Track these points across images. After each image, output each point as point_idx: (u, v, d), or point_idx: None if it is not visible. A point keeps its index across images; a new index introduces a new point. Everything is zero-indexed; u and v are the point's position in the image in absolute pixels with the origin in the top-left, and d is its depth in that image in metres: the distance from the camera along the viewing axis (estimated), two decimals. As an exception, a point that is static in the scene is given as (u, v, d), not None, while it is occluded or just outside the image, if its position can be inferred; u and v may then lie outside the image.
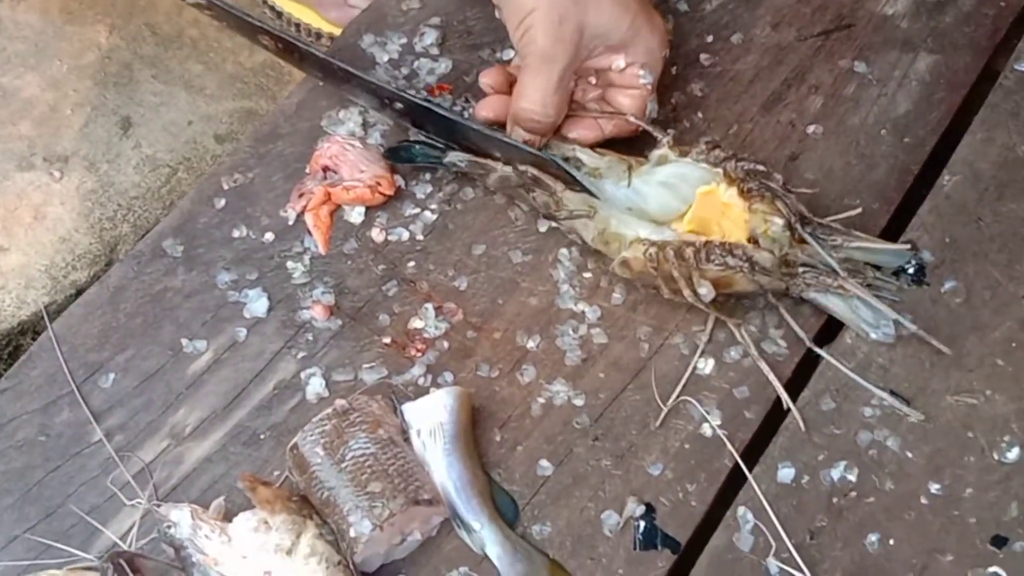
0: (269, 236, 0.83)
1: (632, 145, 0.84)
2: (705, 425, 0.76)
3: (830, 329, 0.80)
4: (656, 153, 0.81)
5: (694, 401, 0.77)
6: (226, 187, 0.85)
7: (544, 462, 0.75)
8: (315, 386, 0.77)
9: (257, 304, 0.80)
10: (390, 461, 0.70)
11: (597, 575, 0.71)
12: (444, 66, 0.91)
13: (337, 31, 1.20)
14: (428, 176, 0.86)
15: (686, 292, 0.76)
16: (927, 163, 0.87)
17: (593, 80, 0.84)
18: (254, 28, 0.84)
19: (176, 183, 0.98)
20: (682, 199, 0.79)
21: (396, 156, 0.85)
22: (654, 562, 0.72)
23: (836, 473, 0.74)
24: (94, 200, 0.93)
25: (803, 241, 0.76)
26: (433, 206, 0.85)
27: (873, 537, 0.72)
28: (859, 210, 0.81)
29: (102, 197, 0.94)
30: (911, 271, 0.80)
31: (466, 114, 0.88)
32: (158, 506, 0.70)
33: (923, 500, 0.73)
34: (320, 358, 0.79)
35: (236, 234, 0.83)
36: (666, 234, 0.77)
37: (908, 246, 0.76)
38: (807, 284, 0.76)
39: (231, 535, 0.68)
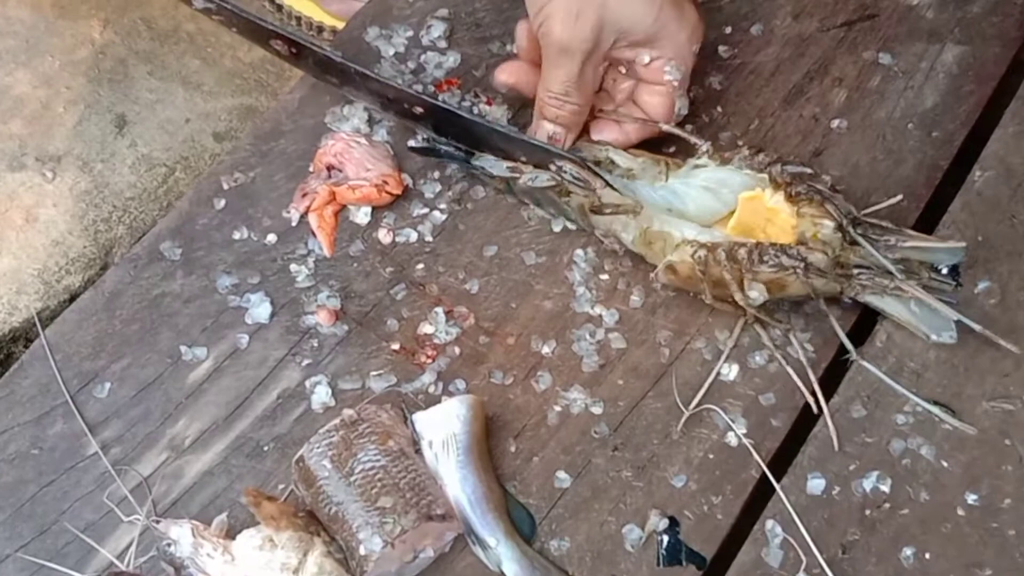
0: (271, 238, 0.81)
1: (661, 143, 0.82)
2: (730, 434, 0.73)
3: (860, 332, 0.77)
4: (694, 161, 0.78)
5: (718, 409, 0.74)
6: (226, 187, 0.83)
7: (562, 473, 0.72)
8: (321, 395, 0.75)
9: (259, 309, 0.78)
10: (401, 474, 0.67)
11: (619, 593, 0.69)
12: (452, 60, 0.88)
13: (339, 24, 1.17)
14: (437, 174, 0.83)
15: (737, 296, 0.73)
16: (957, 158, 0.84)
17: (623, 70, 0.81)
18: (265, 32, 0.81)
19: (173, 183, 0.96)
20: (723, 203, 0.77)
21: (423, 151, 0.83)
22: (679, 578, 0.69)
23: (868, 484, 0.71)
24: (88, 201, 0.90)
25: (855, 243, 0.73)
26: (442, 206, 0.82)
27: (908, 551, 0.69)
28: (900, 197, 0.79)
29: (96, 198, 0.91)
30: (944, 271, 0.77)
31: (475, 110, 0.85)
32: (157, 522, 0.68)
33: (960, 512, 0.71)
34: (326, 365, 0.76)
35: (237, 236, 0.81)
36: (714, 235, 0.74)
37: (963, 244, 0.73)
38: (862, 286, 0.73)
39: (234, 553, 0.66)
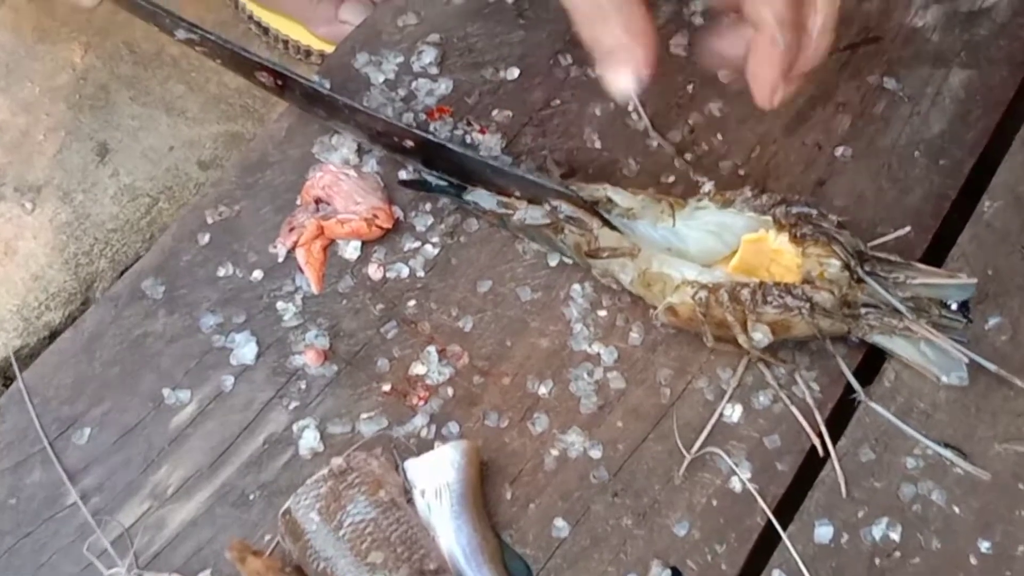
0: (257, 274, 0.79)
1: (661, 173, 0.80)
2: (734, 479, 0.71)
3: (867, 370, 0.75)
4: (695, 203, 0.76)
5: (721, 452, 0.72)
6: (210, 221, 0.80)
7: (559, 521, 0.70)
8: (309, 440, 0.72)
9: (245, 349, 0.76)
10: (392, 527, 0.65)
11: (620, 647, 0.67)
12: (444, 87, 0.86)
13: (328, 48, 1.15)
14: (428, 207, 0.81)
15: (740, 338, 0.71)
16: (965, 188, 0.83)
17: None
18: (250, 63, 0.79)
19: (157, 214, 0.94)
20: (725, 244, 0.75)
21: (413, 185, 0.81)
22: (682, 632, 0.67)
23: (878, 531, 0.69)
24: (69, 233, 0.88)
25: (862, 281, 0.71)
26: (435, 239, 0.80)
27: (920, 602, 0.67)
28: (907, 229, 0.77)
29: (77, 230, 0.89)
30: (954, 307, 0.75)
31: (468, 139, 0.84)
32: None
33: (972, 560, 0.69)
34: (314, 408, 0.74)
35: (221, 272, 0.79)
36: (716, 275, 0.72)
37: (974, 280, 0.71)
38: (870, 326, 0.71)
39: (219, 611, 0.63)
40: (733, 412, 0.74)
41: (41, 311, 0.87)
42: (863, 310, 0.71)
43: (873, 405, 0.73)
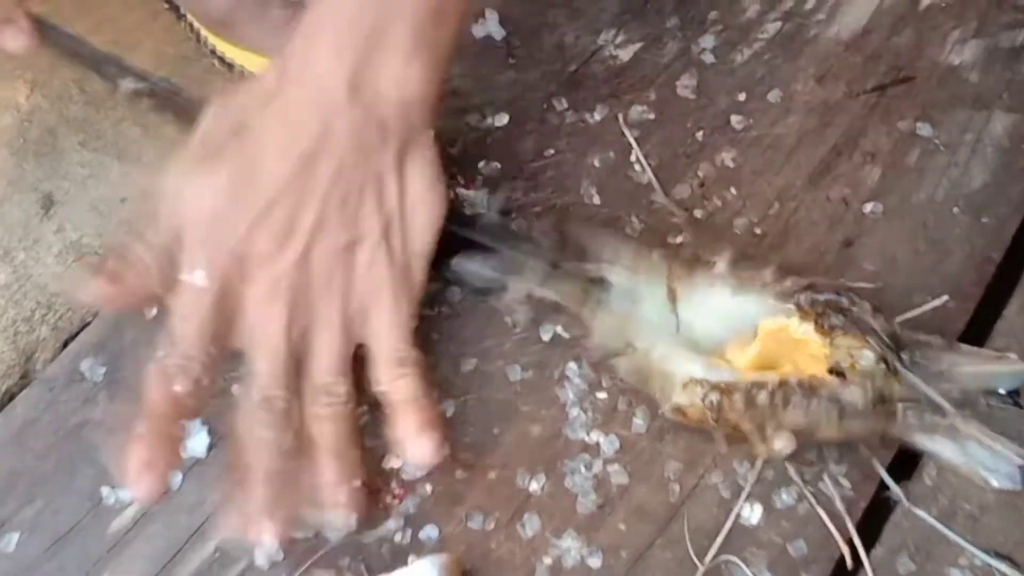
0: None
1: (668, 232, 0.73)
2: (753, 592, 0.64)
3: (904, 465, 0.68)
4: (706, 283, 0.68)
5: (739, 561, 0.65)
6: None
7: (553, 643, 0.63)
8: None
9: (195, 440, 0.69)
10: (358, 662, 0.58)
11: None
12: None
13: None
14: (406, 273, 0.74)
15: (758, 448, 0.64)
16: (1011, 249, 0.75)
17: None
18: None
19: (107, 275, 0.86)
20: (738, 333, 0.67)
21: None
22: None
23: (921, 655, 0.62)
24: (7, 297, 0.81)
25: (899, 373, 0.63)
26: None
27: None
28: (945, 298, 0.70)
29: (17, 293, 0.81)
30: (1003, 391, 0.68)
31: (451, 194, 0.76)
32: None
33: None
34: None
35: (171, 351, 0.71)
36: (723, 375, 0.65)
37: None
38: (909, 425, 0.64)
39: None
40: (752, 513, 0.67)
41: (-26, 386, 0.81)
42: (900, 406, 0.64)
43: (913, 509, 0.65)
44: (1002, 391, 0.68)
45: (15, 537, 0.66)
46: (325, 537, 0.66)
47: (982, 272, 0.74)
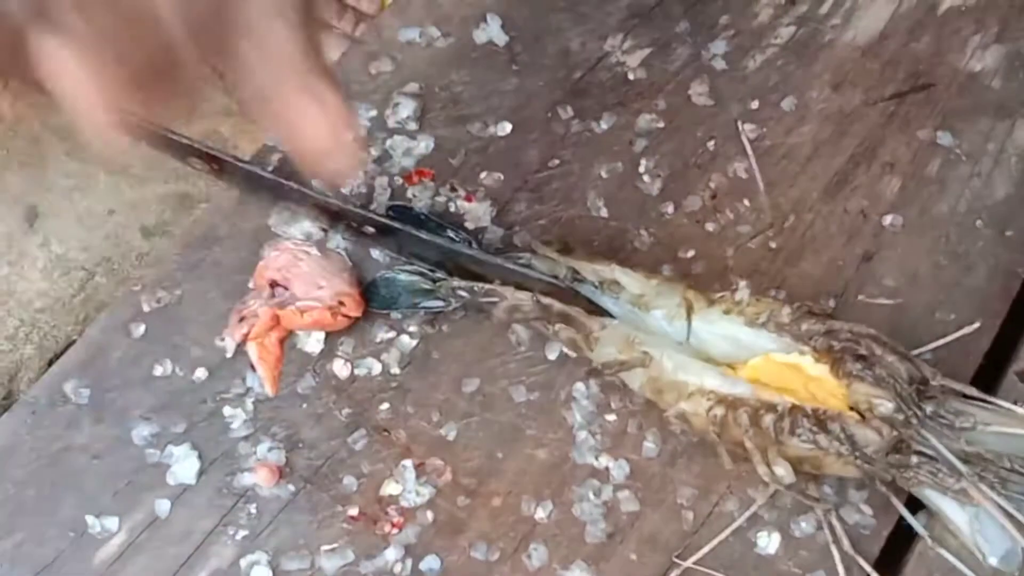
0: (201, 373, 0.70)
1: (678, 247, 0.70)
2: (772, 626, 0.62)
3: (928, 492, 0.65)
4: (719, 309, 0.66)
5: (756, 593, 0.62)
6: (147, 309, 0.71)
7: None
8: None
9: (184, 466, 0.67)
10: None
11: None
12: (424, 145, 0.77)
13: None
14: (405, 289, 0.72)
15: (760, 469, 0.61)
16: (1037, 264, 0.73)
17: None
18: (181, 148, 0.69)
19: (92, 290, 0.84)
20: (752, 354, 0.65)
21: (376, 298, 0.72)
22: None
23: None
24: (-10, 314, 0.79)
25: (924, 425, 0.61)
26: (412, 328, 0.71)
27: None
28: (976, 325, 0.68)
29: (0, 311, 0.80)
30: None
31: (452, 207, 0.74)
32: None
33: None
34: (266, 539, 0.65)
35: (158, 371, 0.70)
36: (739, 387, 0.62)
37: None
38: (920, 481, 0.61)
39: None
40: (769, 542, 0.64)
41: (-47, 408, 0.79)
42: (915, 459, 0.61)
43: (936, 548, 0.62)
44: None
45: (-5, 569, 0.64)
46: (321, 568, 0.63)
47: (1007, 287, 0.72)
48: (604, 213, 0.75)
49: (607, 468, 0.67)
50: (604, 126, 0.78)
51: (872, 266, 0.73)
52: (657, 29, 0.82)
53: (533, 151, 0.78)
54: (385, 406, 0.69)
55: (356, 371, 0.70)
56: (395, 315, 0.71)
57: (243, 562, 0.64)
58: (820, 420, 0.61)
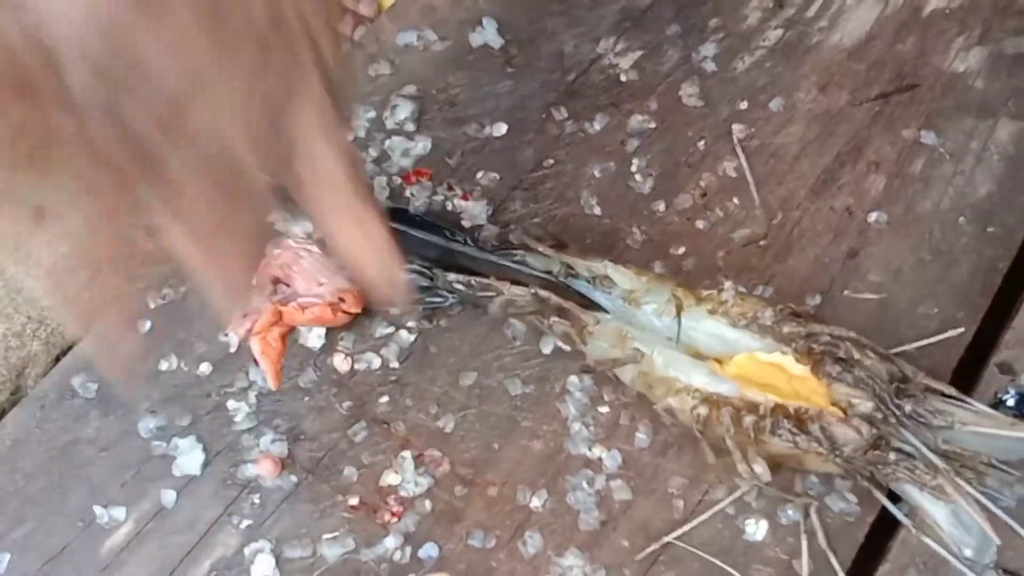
0: (205, 368, 0.71)
1: (670, 244, 0.72)
2: (759, 610, 0.63)
3: (912, 480, 0.67)
4: (705, 308, 0.68)
5: (744, 579, 0.64)
6: (152, 306, 0.73)
7: (555, 664, 0.62)
8: (263, 566, 0.65)
9: (189, 458, 0.68)
10: None
11: None
12: (422, 146, 0.79)
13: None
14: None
15: (740, 467, 0.63)
16: (1018, 258, 0.75)
17: None
18: None
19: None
20: (737, 350, 0.67)
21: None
22: None
23: (930, 676, 0.61)
24: (-2, 312, 0.81)
25: (902, 424, 0.62)
26: (410, 324, 0.73)
27: None
28: (962, 330, 0.69)
29: (8, 307, 0.81)
30: (1010, 403, 0.68)
31: (449, 206, 0.76)
32: None
33: None
34: (269, 527, 0.66)
35: (164, 366, 0.71)
36: (724, 386, 0.64)
37: None
38: (898, 477, 0.63)
39: None
40: (757, 529, 0.66)
41: (-36, 403, 0.80)
42: (893, 455, 0.63)
43: (919, 536, 0.64)
44: (1010, 403, 0.67)
45: (6, 558, 0.65)
46: (322, 555, 0.65)
47: (989, 283, 0.74)
48: (597, 211, 0.77)
49: (600, 458, 0.68)
50: (597, 127, 0.80)
51: (857, 262, 0.75)
52: (648, 32, 0.84)
53: (528, 151, 0.79)
54: (384, 399, 0.70)
55: (356, 365, 0.71)
56: (394, 311, 0.73)
57: (247, 550, 0.65)
58: (801, 420, 0.63)
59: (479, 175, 0.78)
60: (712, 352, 0.67)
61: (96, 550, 0.66)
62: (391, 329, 0.72)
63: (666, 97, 0.81)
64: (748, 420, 0.63)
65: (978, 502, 0.63)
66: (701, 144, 0.80)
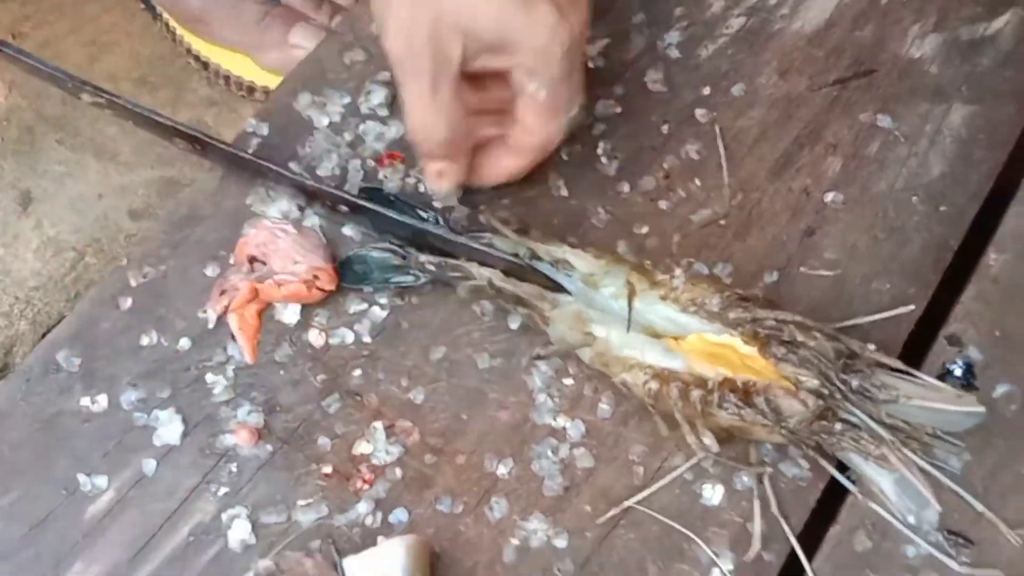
0: (184, 343, 0.73)
1: (633, 222, 0.75)
2: (715, 571, 0.66)
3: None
4: (656, 293, 0.70)
5: (700, 541, 0.66)
6: (134, 284, 0.75)
7: (519, 622, 0.65)
8: (239, 531, 0.67)
9: (169, 428, 0.70)
10: (327, 638, 0.60)
11: None
12: (395, 130, 0.81)
13: (274, 81, 1.09)
14: (376, 264, 0.76)
15: (689, 439, 0.66)
16: (968, 237, 0.77)
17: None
18: (165, 129, 0.74)
19: (83, 270, 0.88)
20: (688, 332, 0.69)
21: (349, 273, 0.75)
22: None
23: (875, 629, 0.64)
24: (-14, 292, 0.83)
25: (847, 399, 0.65)
26: (383, 301, 0.75)
27: None
28: (911, 308, 0.72)
29: (-5, 289, 0.83)
30: (957, 373, 0.70)
31: (421, 188, 0.78)
32: None
33: (982, 661, 0.63)
34: (246, 495, 0.69)
35: (145, 342, 0.73)
36: (675, 362, 0.67)
37: (982, 408, 0.65)
38: (843, 447, 0.65)
39: None
40: (713, 494, 0.68)
41: (-48, 380, 0.82)
42: (839, 426, 0.65)
43: (867, 501, 0.67)
44: (957, 373, 0.70)
45: (-8, 525, 0.68)
46: (297, 521, 0.67)
47: (940, 259, 0.76)
48: (564, 192, 0.79)
49: (564, 428, 0.71)
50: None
51: (814, 240, 0.77)
52: (615, 21, 0.87)
53: (497, 135, 0.82)
54: (357, 372, 0.73)
55: (330, 340, 0.74)
56: (367, 289, 0.75)
57: (224, 516, 0.68)
58: (747, 393, 0.65)
59: (450, 158, 0.80)
60: (668, 332, 0.69)
61: (79, 516, 0.68)
62: (364, 306, 0.75)
63: (632, 83, 0.84)
64: (695, 394, 0.65)
65: (921, 470, 0.65)
66: (665, 128, 0.82)
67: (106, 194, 0.88)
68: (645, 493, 0.68)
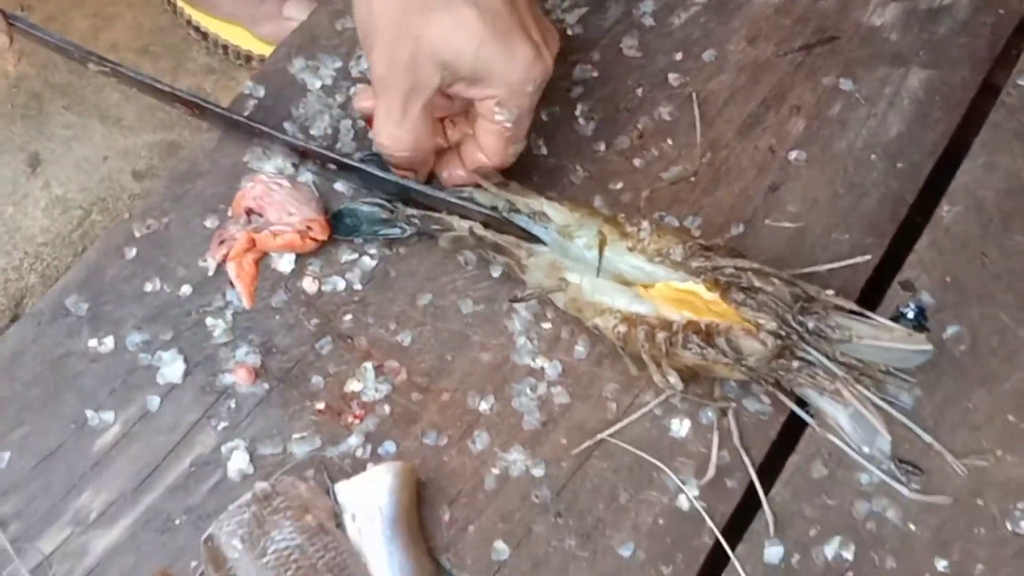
0: (186, 289, 0.77)
1: (610, 179, 0.78)
2: (681, 497, 0.70)
3: (819, 384, 0.73)
4: (626, 244, 0.74)
5: (667, 470, 0.70)
6: (138, 234, 0.79)
7: (499, 544, 0.68)
8: (238, 461, 0.71)
9: (172, 368, 0.74)
10: (319, 554, 0.63)
11: (561, 676, 0.65)
12: (384, 92, 0.84)
13: (269, 50, 1.13)
14: (366, 217, 0.79)
15: (655, 378, 0.70)
16: (923, 192, 0.81)
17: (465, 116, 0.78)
18: (165, 95, 0.78)
19: (89, 226, 0.91)
20: (656, 280, 0.73)
21: (340, 226, 0.79)
22: (626, 659, 0.65)
23: (830, 550, 0.68)
24: (-3, 248, 0.86)
25: (803, 338, 0.69)
26: (372, 251, 0.79)
27: (874, 624, 0.66)
28: (868, 257, 0.76)
29: (7, 244, 0.87)
30: (910, 315, 0.74)
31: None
32: (56, 607, 0.64)
33: (929, 579, 0.67)
34: (244, 429, 0.72)
35: (148, 288, 0.77)
36: (642, 306, 0.71)
37: (930, 347, 0.69)
38: (800, 383, 0.69)
39: (136, 645, 0.61)
40: (681, 427, 0.72)
41: (-34, 329, 0.86)
42: (796, 364, 0.69)
43: (824, 433, 0.71)
44: (910, 316, 0.74)
45: (6, 456, 0.71)
46: (292, 452, 0.71)
47: (896, 212, 0.80)
48: (544, 151, 0.83)
49: (542, 368, 0.74)
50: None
51: (778, 195, 0.81)
52: (593, -10, 0.90)
53: (481, 97, 0.85)
54: (348, 317, 0.76)
55: (323, 287, 0.77)
56: (358, 240, 0.79)
57: (223, 448, 0.71)
58: (709, 335, 0.69)
59: (436, 119, 0.84)
60: (637, 280, 0.73)
61: (87, 449, 0.71)
62: (355, 255, 0.78)
63: (608, 49, 0.87)
64: (661, 336, 0.69)
65: (875, 405, 0.69)
66: (639, 91, 0.86)
67: (111, 156, 0.91)
68: (617, 427, 0.72)
